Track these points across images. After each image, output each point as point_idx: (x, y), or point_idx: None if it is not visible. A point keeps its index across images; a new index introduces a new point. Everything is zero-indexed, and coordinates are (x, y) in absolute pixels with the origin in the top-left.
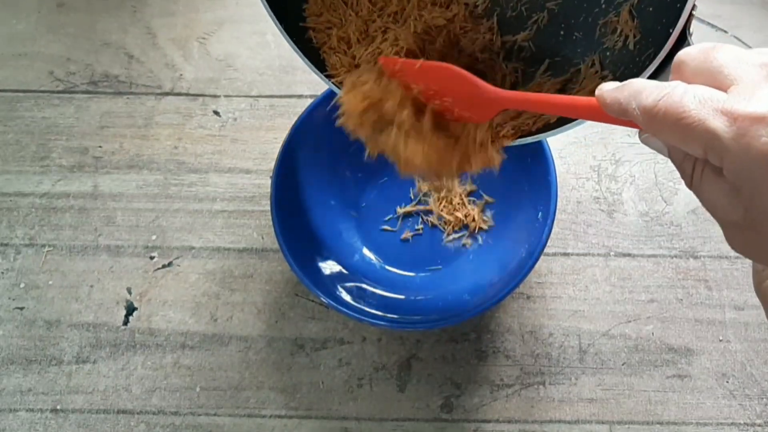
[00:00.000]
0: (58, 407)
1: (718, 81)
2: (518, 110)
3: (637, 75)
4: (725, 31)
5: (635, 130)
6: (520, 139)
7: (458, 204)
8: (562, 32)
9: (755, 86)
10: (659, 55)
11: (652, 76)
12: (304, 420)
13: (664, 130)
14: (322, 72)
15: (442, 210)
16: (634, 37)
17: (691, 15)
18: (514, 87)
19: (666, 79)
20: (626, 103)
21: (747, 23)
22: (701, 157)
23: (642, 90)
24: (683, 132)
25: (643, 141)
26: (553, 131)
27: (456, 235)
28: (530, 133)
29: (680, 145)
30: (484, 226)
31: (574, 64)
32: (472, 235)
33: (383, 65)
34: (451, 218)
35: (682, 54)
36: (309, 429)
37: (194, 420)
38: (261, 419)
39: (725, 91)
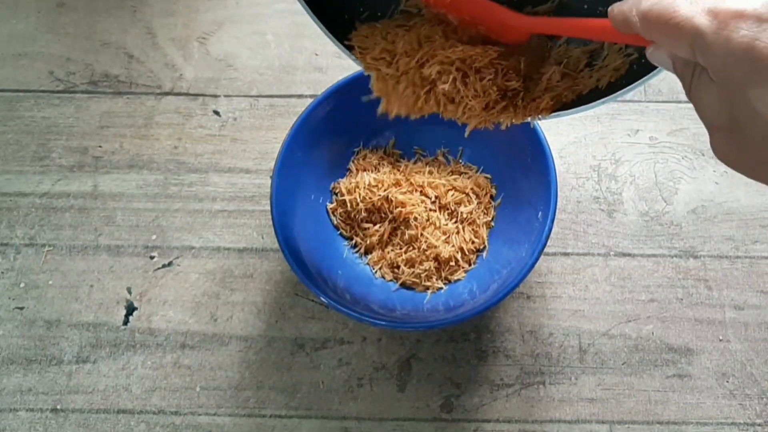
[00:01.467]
0: (58, 407)
1: None
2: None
3: None
4: None
5: (635, 130)
6: (558, 113)
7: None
8: (585, 5)
9: None
10: None
11: None
12: (304, 420)
13: (657, 32)
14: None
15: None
16: None
17: None
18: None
19: None
20: (628, 11)
21: None
22: (692, 58)
23: None
24: (673, 31)
25: (649, 56)
26: (587, 106)
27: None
28: (566, 106)
29: (671, 47)
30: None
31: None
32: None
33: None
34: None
35: None
36: (309, 429)
37: (194, 420)
38: (261, 419)
39: None
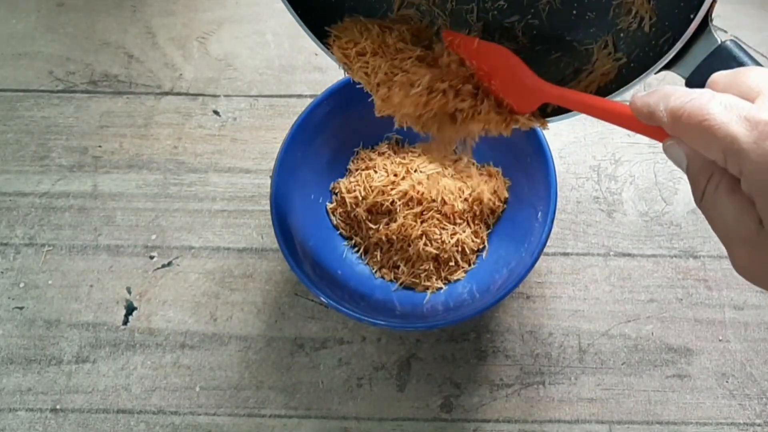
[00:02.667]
0: (58, 407)
1: (745, 94)
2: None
3: (653, 60)
4: (725, 31)
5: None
6: (547, 119)
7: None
8: (574, 11)
9: None
10: (680, 41)
11: (672, 62)
12: (303, 420)
13: (687, 132)
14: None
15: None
16: (650, 19)
17: (714, 0)
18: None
19: (688, 68)
20: (655, 105)
21: (747, 23)
22: (721, 162)
23: (671, 94)
24: (705, 134)
25: (666, 149)
26: (574, 111)
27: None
28: (555, 112)
29: (701, 147)
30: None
31: (587, 45)
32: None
33: (444, 37)
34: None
35: (715, 75)
36: (309, 429)
37: (194, 420)
38: (261, 419)
39: (752, 101)
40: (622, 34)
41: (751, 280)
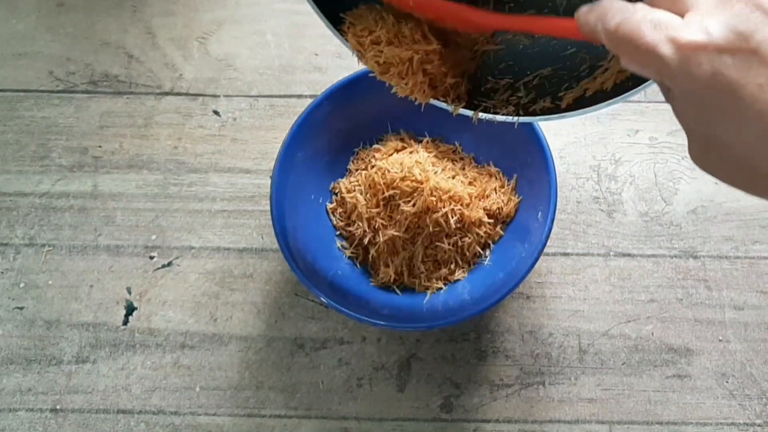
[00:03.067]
0: (58, 407)
1: (677, 6)
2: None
3: None
4: None
5: (635, 130)
6: (563, 114)
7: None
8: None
9: (704, 13)
10: None
11: None
12: (303, 420)
13: (624, 54)
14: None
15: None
16: None
17: None
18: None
19: None
20: (594, 25)
21: None
22: (658, 80)
23: (607, 11)
24: (639, 57)
25: (624, 65)
26: (592, 108)
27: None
28: (569, 108)
29: (638, 68)
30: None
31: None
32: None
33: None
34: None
35: None
36: (309, 429)
37: (194, 420)
38: (261, 419)
39: (683, 16)
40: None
41: (704, 170)
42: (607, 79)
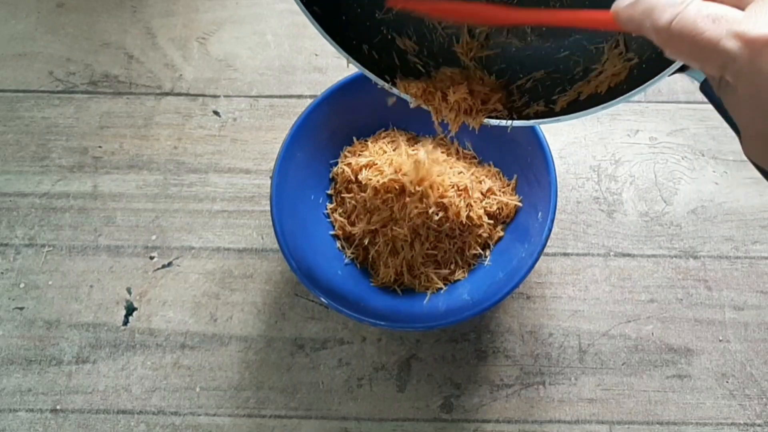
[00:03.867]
0: (58, 407)
1: None
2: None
3: (666, 61)
4: None
5: (635, 130)
6: (556, 118)
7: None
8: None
9: None
10: None
11: (685, 66)
12: (303, 420)
13: (679, 51)
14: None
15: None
16: None
17: None
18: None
19: (702, 73)
20: (640, 20)
21: None
22: (718, 75)
23: (655, 7)
24: (698, 53)
25: (668, 55)
26: (585, 111)
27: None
28: (562, 111)
29: (696, 65)
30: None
31: (597, 44)
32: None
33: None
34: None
35: None
36: (309, 429)
37: (194, 420)
38: (261, 419)
39: (743, 8)
40: (633, 35)
41: (763, 165)
42: (602, 83)
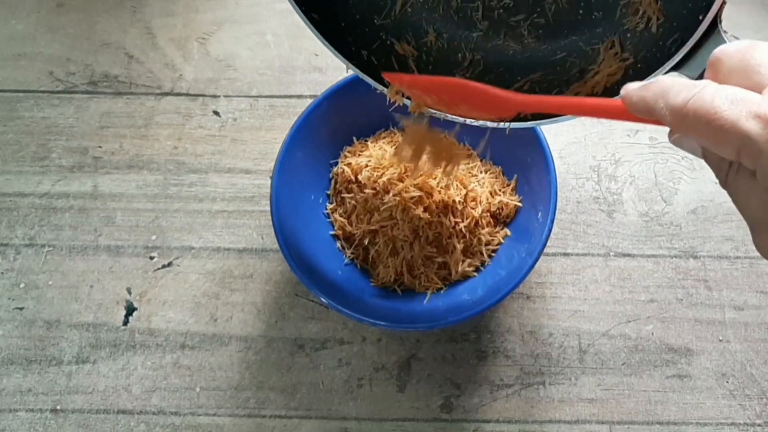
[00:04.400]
0: (58, 407)
1: (753, 81)
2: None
3: (661, 61)
4: (725, 31)
5: (635, 130)
6: (554, 119)
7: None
8: (581, 11)
9: None
10: (688, 42)
11: (680, 64)
12: (303, 420)
13: (694, 132)
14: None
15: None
16: (658, 19)
17: (724, 2)
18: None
19: (696, 69)
20: (653, 102)
21: (747, 23)
22: (734, 160)
23: (670, 89)
24: (715, 134)
25: (674, 142)
26: (547, 120)
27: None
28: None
29: (712, 147)
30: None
31: (593, 44)
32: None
33: (389, 79)
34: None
35: (719, 51)
36: (309, 429)
37: (194, 420)
38: (261, 419)
39: (760, 92)
40: (629, 35)
41: None
42: (598, 83)
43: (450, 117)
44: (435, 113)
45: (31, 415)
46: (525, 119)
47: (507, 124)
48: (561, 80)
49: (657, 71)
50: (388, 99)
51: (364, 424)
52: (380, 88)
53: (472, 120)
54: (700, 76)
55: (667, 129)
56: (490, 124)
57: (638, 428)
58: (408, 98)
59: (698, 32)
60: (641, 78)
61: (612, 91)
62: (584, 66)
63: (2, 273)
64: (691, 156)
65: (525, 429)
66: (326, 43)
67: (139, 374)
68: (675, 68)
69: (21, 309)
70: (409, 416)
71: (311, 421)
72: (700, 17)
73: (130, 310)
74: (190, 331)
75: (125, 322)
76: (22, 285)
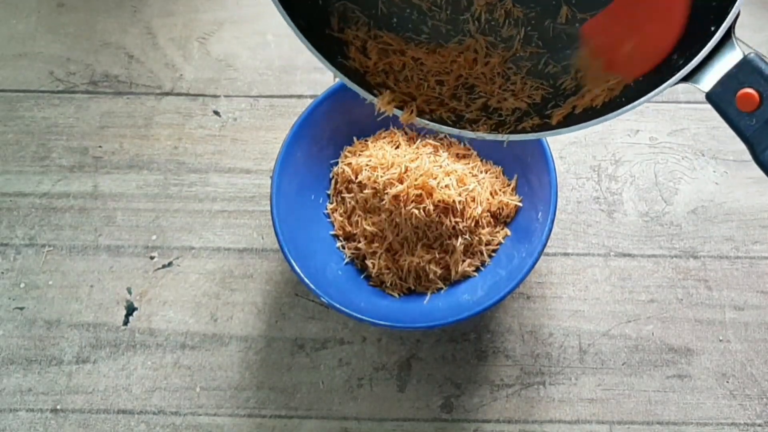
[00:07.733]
0: (58, 407)
1: None
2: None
3: (667, 74)
4: (738, 39)
5: (635, 130)
6: (552, 131)
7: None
8: (576, 23)
9: None
10: (701, 53)
11: (689, 76)
12: (304, 420)
13: None
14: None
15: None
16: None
17: (738, 13)
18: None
19: (708, 82)
20: None
21: (747, 23)
22: None
23: None
24: None
25: None
26: (581, 125)
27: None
28: (559, 125)
29: None
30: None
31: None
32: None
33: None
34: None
35: None
36: (309, 429)
37: (194, 420)
38: (261, 419)
39: None
40: None
41: None
42: (597, 96)
43: (444, 129)
44: (427, 124)
45: (32, 415)
46: (524, 130)
47: (505, 136)
48: (556, 94)
49: (665, 84)
50: (377, 109)
51: (364, 424)
52: (369, 97)
53: (468, 133)
54: (716, 87)
55: (666, 128)
56: (488, 137)
57: (638, 428)
58: (399, 108)
59: (711, 43)
60: (646, 91)
61: (613, 104)
62: (579, 82)
63: (2, 273)
64: (691, 156)
65: (525, 429)
66: (314, 51)
67: (140, 374)
68: (684, 80)
69: (21, 309)
70: (409, 416)
71: (311, 421)
72: (712, 28)
73: (131, 310)
74: (191, 331)
75: (125, 322)
76: (22, 285)
